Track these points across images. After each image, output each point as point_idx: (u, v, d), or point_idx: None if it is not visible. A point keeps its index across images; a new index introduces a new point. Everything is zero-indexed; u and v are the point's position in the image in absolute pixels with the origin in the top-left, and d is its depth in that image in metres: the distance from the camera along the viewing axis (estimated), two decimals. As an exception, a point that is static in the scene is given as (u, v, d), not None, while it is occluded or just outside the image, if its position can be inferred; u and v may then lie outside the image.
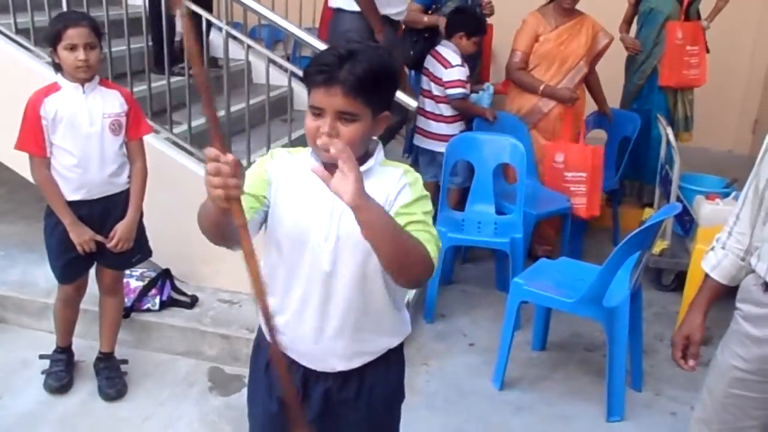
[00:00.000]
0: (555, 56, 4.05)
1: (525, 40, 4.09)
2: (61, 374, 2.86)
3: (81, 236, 2.61)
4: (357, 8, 3.63)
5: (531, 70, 4.10)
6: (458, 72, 3.97)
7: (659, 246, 3.78)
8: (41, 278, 3.35)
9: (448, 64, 3.98)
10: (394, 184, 1.52)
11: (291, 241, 1.55)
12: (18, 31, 3.37)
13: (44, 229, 2.72)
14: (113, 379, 2.85)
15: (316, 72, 1.43)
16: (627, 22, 4.83)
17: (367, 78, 1.42)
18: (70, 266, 2.72)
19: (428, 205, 1.52)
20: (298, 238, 1.54)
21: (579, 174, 3.96)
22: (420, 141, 4.19)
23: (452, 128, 4.09)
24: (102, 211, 2.67)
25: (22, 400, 2.79)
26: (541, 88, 4.05)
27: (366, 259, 1.51)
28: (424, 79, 4.12)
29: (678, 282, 3.75)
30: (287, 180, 1.56)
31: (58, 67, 2.55)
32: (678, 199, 3.73)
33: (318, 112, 1.45)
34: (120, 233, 2.67)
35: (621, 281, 2.81)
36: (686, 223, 3.89)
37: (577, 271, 3.09)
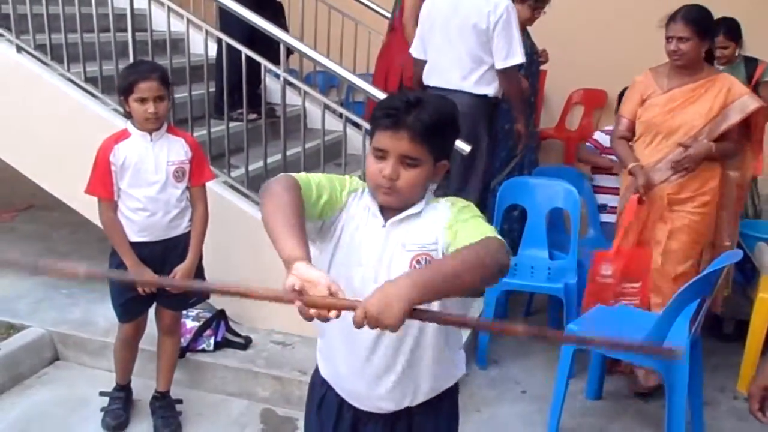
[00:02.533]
0: (659, 126, 3.21)
1: (629, 103, 3.36)
2: (118, 412, 2.91)
3: (142, 278, 2.68)
4: (481, 92, 3.61)
5: (636, 140, 3.33)
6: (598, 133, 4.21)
7: (720, 293, 3.67)
8: (101, 317, 3.43)
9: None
10: (443, 214, 1.54)
11: (341, 279, 1.56)
12: (87, 80, 3.53)
13: (108, 267, 2.80)
14: (168, 419, 2.89)
15: (384, 115, 1.47)
16: None
17: (433, 125, 1.46)
18: (130, 305, 2.79)
19: (473, 211, 1.54)
20: (350, 278, 1.55)
21: (633, 285, 3.22)
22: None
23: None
24: (162, 252, 2.74)
25: (80, 438, 2.85)
26: (631, 166, 3.25)
27: None
28: None
29: (739, 331, 3.63)
30: (352, 217, 1.58)
31: (128, 115, 2.67)
32: (739, 246, 3.64)
33: (382, 154, 1.48)
34: (179, 276, 2.73)
35: (680, 329, 2.74)
36: (747, 271, 3.77)
37: (634, 318, 3.02)
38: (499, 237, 1.42)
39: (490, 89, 3.62)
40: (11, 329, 3.37)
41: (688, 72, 3.19)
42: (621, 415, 3.15)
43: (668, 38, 3.13)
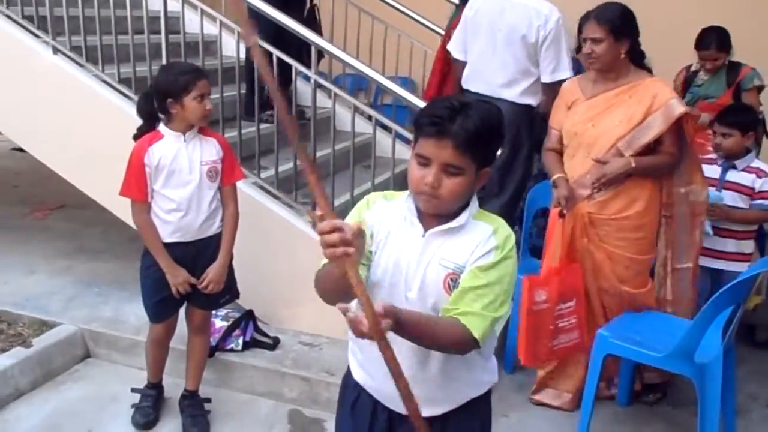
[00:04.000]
0: (581, 136, 2.93)
1: (556, 113, 3.11)
2: (148, 410, 2.93)
3: (176, 278, 2.71)
4: (525, 101, 3.61)
5: (565, 151, 3.06)
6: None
7: (753, 301, 3.62)
8: (132, 316, 3.47)
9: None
10: (482, 243, 1.52)
11: (379, 287, 1.57)
12: (120, 81, 3.57)
13: (140, 268, 2.83)
14: (197, 417, 2.91)
15: (429, 123, 1.45)
16: None
17: (478, 134, 1.44)
18: (161, 305, 2.82)
19: (506, 269, 1.52)
20: (387, 285, 1.56)
21: (568, 305, 2.97)
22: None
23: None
24: (194, 253, 2.76)
25: (110, 435, 2.89)
26: (554, 178, 3.03)
27: None
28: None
29: (773, 339, 3.58)
30: (381, 228, 1.58)
31: (168, 117, 2.67)
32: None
33: (425, 161, 1.47)
34: (212, 276, 2.75)
35: (713, 337, 2.69)
36: (781, 278, 3.71)
37: (666, 325, 2.98)
38: (483, 330, 1.47)
39: (534, 99, 3.61)
40: (44, 326, 3.42)
41: (612, 77, 2.90)
42: (652, 423, 3.11)
43: (583, 39, 2.88)
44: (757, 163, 3.34)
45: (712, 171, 3.30)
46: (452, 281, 1.51)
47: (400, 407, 1.66)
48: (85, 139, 3.55)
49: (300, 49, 3.61)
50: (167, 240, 2.72)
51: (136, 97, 3.51)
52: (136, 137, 2.71)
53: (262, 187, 3.49)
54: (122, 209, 3.06)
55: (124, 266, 3.93)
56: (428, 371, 1.59)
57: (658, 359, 2.72)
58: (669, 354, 2.68)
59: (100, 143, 3.49)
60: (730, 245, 3.31)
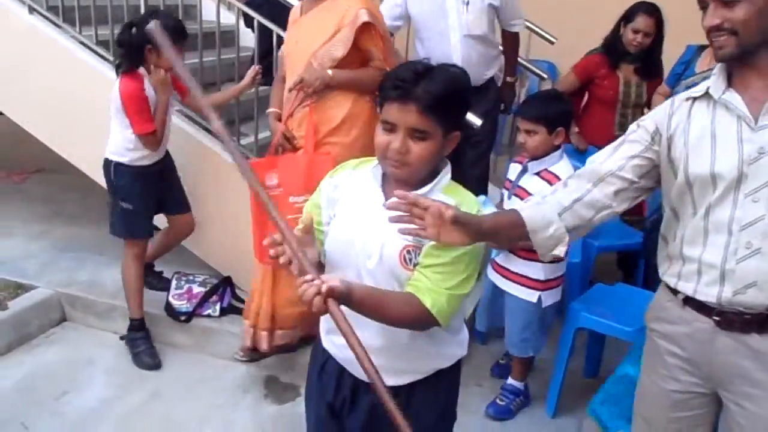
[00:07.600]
0: (290, 57, 2.81)
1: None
2: (152, 350, 3.10)
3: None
4: None
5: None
6: None
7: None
8: (108, 280, 3.48)
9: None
10: None
11: (338, 254, 1.57)
12: (98, 43, 3.52)
13: (117, 196, 2.99)
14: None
15: (392, 87, 1.43)
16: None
17: (443, 97, 1.42)
18: (149, 219, 3.11)
19: (466, 247, 1.48)
20: (345, 252, 1.56)
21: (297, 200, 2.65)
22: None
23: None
24: (162, 168, 3.08)
25: (85, 397, 2.90)
26: (268, 111, 2.93)
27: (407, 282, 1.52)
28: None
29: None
30: (343, 196, 1.58)
31: (143, 60, 2.82)
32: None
33: (390, 127, 1.45)
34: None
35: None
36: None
37: (635, 298, 3.02)
38: (440, 306, 1.45)
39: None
40: (19, 289, 3.42)
41: None
42: (620, 394, 3.17)
43: None
44: (558, 167, 2.62)
45: (514, 171, 2.81)
46: (408, 254, 1.49)
47: (363, 375, 1.68)
48: (62, 102, 3.51)
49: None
50: (146, 163, 2.96)
51: (114, 60, 3.48)
52: (119, 67, 2.86)
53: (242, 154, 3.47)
54: (100, 174, 3.05)
55: (101, 231, 3.87)
56: (393, 342, 1.58)
57: (629, 333, 2.77)
58: (641, 328, 2.72)
59: (77, 106, 3.45)
60: (514, 264, 2.76)
